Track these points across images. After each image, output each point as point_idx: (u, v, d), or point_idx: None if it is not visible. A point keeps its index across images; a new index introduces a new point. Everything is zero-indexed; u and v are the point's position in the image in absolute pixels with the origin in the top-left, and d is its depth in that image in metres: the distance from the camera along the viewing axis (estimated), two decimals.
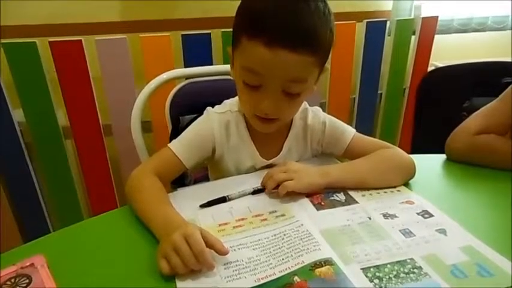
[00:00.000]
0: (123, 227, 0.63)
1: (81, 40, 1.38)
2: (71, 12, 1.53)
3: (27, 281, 0.50)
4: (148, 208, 0.62)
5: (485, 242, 0.57)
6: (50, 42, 1.35)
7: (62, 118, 1.50)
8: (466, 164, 0.83)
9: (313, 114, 0.80)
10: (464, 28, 1.98)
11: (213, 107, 1.05)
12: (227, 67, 1.13)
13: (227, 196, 0.69)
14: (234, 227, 0.61)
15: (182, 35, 1.48)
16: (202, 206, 0.67)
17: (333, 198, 0.68)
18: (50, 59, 1.37)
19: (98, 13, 1.56)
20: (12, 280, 0.50)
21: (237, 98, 0.78)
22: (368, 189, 0.70)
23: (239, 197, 0.69)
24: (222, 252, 0.53)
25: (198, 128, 0.76)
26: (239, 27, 0.66)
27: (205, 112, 0.79)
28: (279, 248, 0.56)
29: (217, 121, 0.76)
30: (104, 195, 1.62)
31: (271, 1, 0.61)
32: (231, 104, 0.79)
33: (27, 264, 0.53)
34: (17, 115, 1.45)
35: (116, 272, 0.54)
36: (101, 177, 1.60)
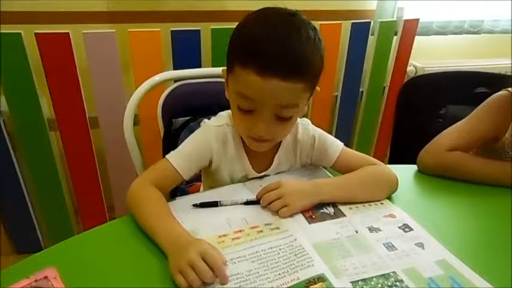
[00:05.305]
0: (130, 236, 0.66)
1: (68, 33, 1.35)
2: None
3: None
4: (153, 221, 0.65)
5: (457, 255, 0.63)
6: (36, 33, 1.32)
7: (46, 109, 1.48)
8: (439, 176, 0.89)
9: (303, 129, 0.84)
10: (443, 30, 2.06)
11: (204, 110, 1.07)
12: (219, 70, 1.16)
13: (219, 202, 0.74)
14: (232, 239, 0.66)
15: (172, 31, 1.48)
16: (195, 205, 0.74)
17: (322, 211, 0.74)
18: (35, 49, 1.35)
19: (85, 2, 1.53)
20: None
21: None
22: (355, 202, 0.76)
23: (231, 204, 0.75)
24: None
25: (196, 141, 0.79)
26: (233, 53, 0.69)
27: (202, 124, 0.82)
28: (276, 262, 0.61)
29: (215, 134, 0.79)
30: (89, 188, 1.63)
31: (263, 30, 0.64)
32: (227, 117, 0.81)
33: (41, 277, 0.56)
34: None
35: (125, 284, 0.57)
36: (86, 170, 1.60)
